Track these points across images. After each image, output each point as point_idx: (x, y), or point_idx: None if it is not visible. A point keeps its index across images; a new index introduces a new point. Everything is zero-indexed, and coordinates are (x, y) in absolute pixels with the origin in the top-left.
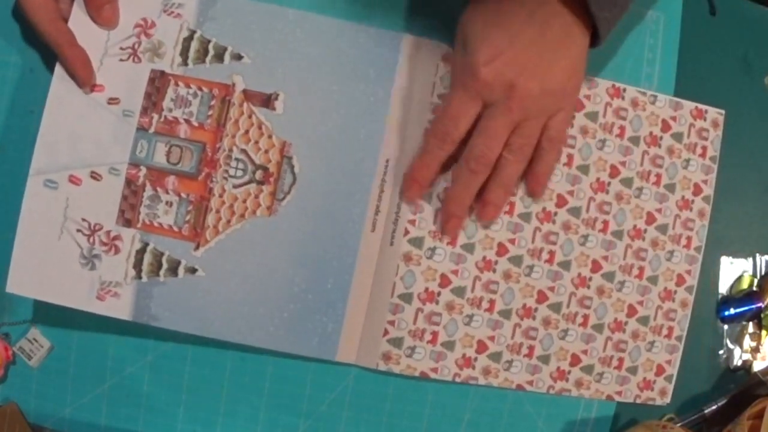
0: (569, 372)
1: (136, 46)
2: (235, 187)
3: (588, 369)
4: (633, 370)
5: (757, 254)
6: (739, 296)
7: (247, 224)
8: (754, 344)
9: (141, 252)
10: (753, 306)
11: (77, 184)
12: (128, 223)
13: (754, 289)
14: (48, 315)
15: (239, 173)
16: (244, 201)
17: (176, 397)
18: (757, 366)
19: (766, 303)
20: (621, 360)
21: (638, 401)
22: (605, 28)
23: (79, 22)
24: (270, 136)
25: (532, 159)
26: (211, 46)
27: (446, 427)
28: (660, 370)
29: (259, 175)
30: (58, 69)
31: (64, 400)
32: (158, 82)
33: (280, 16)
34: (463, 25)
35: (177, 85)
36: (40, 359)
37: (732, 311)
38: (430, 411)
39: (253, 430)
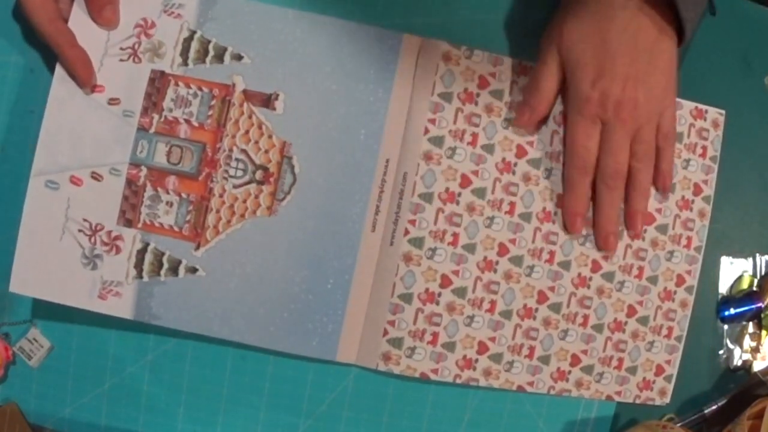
0: (569, 372)
1: (136, 46)
2: (235, 187)
3: (588, 369)
4: (633, 370)
5: (757, 254)
6: (739, 296)
7: (247, 224)
8: (754, 344)
9: (142, 252)
10: (753, 306)
11: (78, 184)
12: (129, 223)
13: (754, 289)
14: (48, 315)
15: (239, 173)
16: (245, 201)
17: (176, 397)
18: (757, 366)
19: (766, 303)
20: (621, 360)
21: (638, 401)
22: (690, 28)
23: (79, 22)
24: (270, 136)
25: (655, 159)
26: (211, 47)
27: (446, 427)
28: (660, 370)
29: (259, 175)
30: (59, 69)
31: (64, 400)
32: (158, 82)
33: (280, 16)
34: (558, 48)
35: (177, 85)
36: (40, 359)
37: (732, 311)
38: (430, 411)
39: (253, 430)
